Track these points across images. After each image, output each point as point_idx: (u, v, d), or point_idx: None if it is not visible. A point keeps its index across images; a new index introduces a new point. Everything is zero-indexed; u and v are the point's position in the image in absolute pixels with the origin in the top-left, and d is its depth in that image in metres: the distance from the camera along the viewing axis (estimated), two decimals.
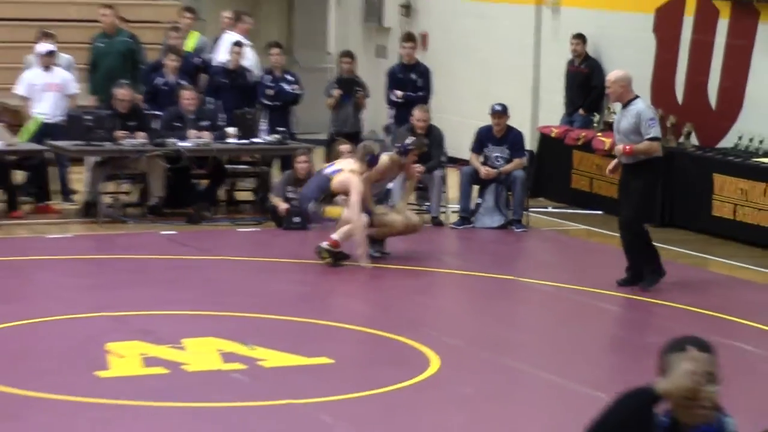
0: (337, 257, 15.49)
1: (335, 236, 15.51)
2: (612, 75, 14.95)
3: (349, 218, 15.45)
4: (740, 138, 18.51)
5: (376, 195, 16.62)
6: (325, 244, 15.49)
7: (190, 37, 20.97)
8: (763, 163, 17.62)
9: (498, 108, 18.48)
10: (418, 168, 18.25)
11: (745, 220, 17.45)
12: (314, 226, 16.82)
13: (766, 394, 11.68)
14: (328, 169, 16.01)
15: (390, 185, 18.38)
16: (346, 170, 15.74)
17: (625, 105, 14.64)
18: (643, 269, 14.77)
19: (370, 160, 15.83)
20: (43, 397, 10.83)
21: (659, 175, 15.22)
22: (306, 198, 16.05)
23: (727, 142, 18.79)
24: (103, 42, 20.17)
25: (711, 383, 4.87)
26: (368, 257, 15.51)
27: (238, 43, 20.12)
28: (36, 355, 12.27)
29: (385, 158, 16.16)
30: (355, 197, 15.41)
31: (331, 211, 15.78)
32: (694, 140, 18.99)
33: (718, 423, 4.96)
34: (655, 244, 14.68)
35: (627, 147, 14.46)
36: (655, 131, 14.59)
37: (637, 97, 14.75)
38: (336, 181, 15.65)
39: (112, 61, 19.85)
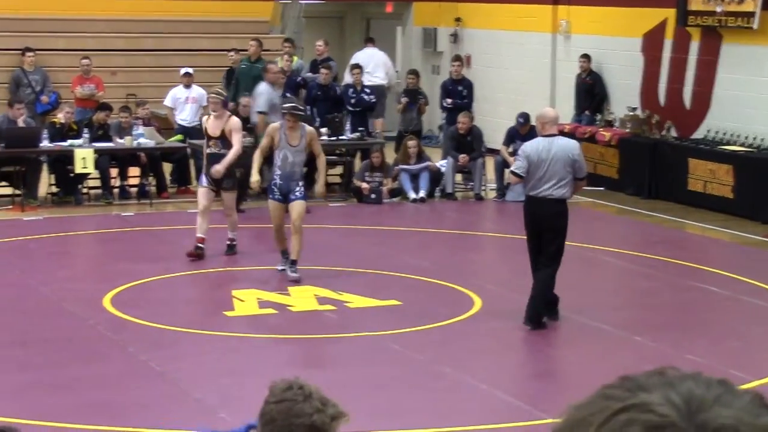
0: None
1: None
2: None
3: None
4: (708, 131, 18.38)
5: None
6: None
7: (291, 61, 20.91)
8: (726, 149, 17.46)
9: (521, 120, 18.27)
10: (463, 157, 18.22)
11: (713, 193, 17.28)
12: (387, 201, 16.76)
13: (725, 323, 11.69)
14: None
15: (443, 168, 18.35)
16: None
17: None
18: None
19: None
20: (186, 331, 10.88)
21: (525, 213, 11.28)
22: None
23: (698, 134, 18.63)
24: (246, 65, 20.10)
25: None
26: None
27: (327, 66, 20.05)
28: (180, 300, 12.33)
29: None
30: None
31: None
32: (673, 133, 18.85)
33: None
34: (639, 210, 14.47)
35: None
36: (514, 166, 11.50)
37: (545, 135, 11.02)
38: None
39: (249, 81, 19.74)
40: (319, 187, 13.49)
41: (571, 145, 11.17)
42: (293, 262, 12.79)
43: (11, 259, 13.91)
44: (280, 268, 13.06)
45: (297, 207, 12.83)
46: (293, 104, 13.09)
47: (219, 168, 13.59)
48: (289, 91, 19.36)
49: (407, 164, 18.11)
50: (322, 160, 13.38)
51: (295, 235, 12.75)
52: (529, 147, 11.14)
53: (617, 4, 20.36)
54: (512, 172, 11.41)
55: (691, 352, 10.30)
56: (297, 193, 12.87)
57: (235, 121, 13.99)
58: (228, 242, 14.06)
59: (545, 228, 11.02)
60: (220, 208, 14.08)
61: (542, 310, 11.08)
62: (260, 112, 17.28)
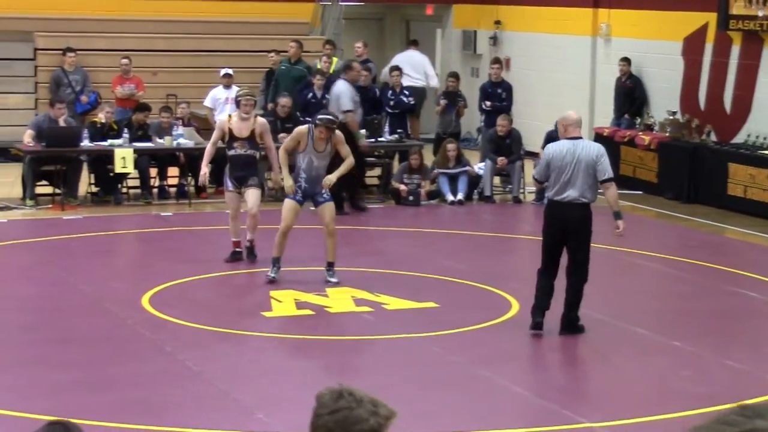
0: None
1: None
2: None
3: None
4: (749, 135, 18.30)
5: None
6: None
7: (331, 63, 20.95)
8: (767, 154, 17.37)
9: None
10: (501, 160, 18.20)
11: (753, 198, 17.20)
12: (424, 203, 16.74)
13: (764, 328, 11.67)
14: None
15: (480, 171, 18.35)
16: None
17: None
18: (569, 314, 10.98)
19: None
20: (223, 331, 10.93)
21: (547, 216, 10.91)
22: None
23: (738, 138, 18.54)
24: (285, 66, 20.16)
25: None
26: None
27: (366, 68, 20.05)
28: (218, 300, 12.38)
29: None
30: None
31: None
32: (713, 137, 18.77)
33: None
34: (678, 214, 14.40)
35: None
36: (534, 171, 11.22)
37: (570, 138, 10.77)
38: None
39: (289, 82, 19.78)
40: (331, 176, 12.70)
41: (595, 147, 10.92)
42: (330, 264, 12.78)
43: (51, 257, 14.02)
44: (271, 275, 12.74)
45: (328, 209, 12.69)
46: (330, 117, 12.87)
47: (277, 179, 13.71)
48: (328, 92, 19.40)
49: (446, 167, 18.11)
50: (348, 162, 12.82)
51: (329, 237, 12.69)
52: (551, 148, 10.89)
53: (658, 8, 20.29)
54: (533, 177, 11.26)
55: (729, 357, 10.24)
56: (324, 195, 12.68)
57: (263, 122, 13.85)
58: (247, 244, 13.76)
59: (570, 232, 10.73)
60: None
61: (576, 318, 11.04)
62: (347, 111, 17.11)
